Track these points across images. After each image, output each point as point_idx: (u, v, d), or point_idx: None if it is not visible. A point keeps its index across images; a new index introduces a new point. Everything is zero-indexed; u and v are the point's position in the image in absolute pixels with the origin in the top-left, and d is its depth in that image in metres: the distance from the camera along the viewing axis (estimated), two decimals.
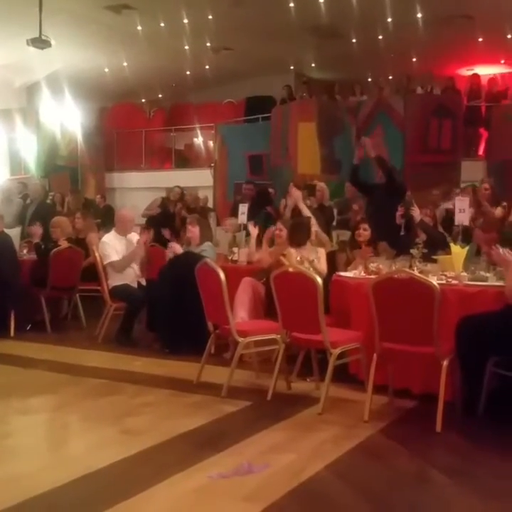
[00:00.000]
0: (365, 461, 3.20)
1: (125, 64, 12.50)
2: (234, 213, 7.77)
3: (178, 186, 9.42)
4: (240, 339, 4.23)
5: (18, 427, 3.80)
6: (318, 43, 11.58)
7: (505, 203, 6.11)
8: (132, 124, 14.21)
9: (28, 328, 6.49)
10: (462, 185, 8.07)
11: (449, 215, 6.13)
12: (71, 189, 11.55)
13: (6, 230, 6.76)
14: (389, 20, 10.30)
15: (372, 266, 4.43)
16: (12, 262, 6.46)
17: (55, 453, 3.46)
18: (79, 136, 12.93)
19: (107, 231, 6.56)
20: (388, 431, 3.57)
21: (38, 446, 3.55)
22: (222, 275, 4.24)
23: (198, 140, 14.11)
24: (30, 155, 12.44)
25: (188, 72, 13.37)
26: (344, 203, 8.04)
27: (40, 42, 9.07)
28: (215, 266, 4.39)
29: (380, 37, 11.13)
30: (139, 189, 12.77)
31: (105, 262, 6.01)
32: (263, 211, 7.68)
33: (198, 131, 13.90)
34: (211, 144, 12.96)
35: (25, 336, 6.22)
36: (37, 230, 6.99)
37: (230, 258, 6.12)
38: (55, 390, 4.46)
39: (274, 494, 2.74)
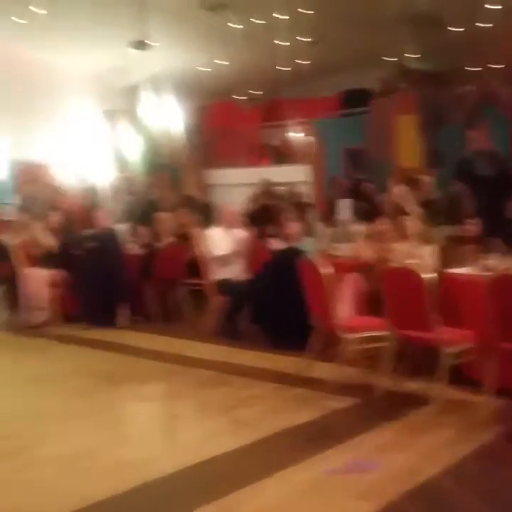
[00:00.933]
0: (487, 467, 3.05)
1: (223, 62, 12.70)
2: (332, 208, 7.70)
3: (267, 178, 9.39)
4: (346, 335, 4.18)
5: (131, 413, 3.97)
6: (418, 32, 11.18)
7: None
8: (230, 122, 14.43)
9: (136, 319, 6.75)
10: None
11: None
12: (173, 186, 11.91)
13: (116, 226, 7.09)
14: (499, 7, 9.75)
15: (487, 263, 4.22)
16: (117, 256, 6.72)
17: (169, 440, 3.57)
18: (180, 135, 13.30)
19: (208, 227, 6.69)
20: (510, 436, 3.39)
21: (151, 433, 3.68)
22: (324, 271, 4.21)
23: (295, 135, 14.10)
24: (135, 154, 12.96)
25: (283, 68, 13.37)
26: (449, 198, 7.74)
27: (141, 44, 9.44)
28: (316, 261, 4.37)
29: (487, 25, 10.57)
30: (237, 185, 12.95)
31: (211, 256, 6.13)
32: (358, 206, 7.57)
33: (294, 127, 13.89)
34: (308, 139, 12.91)
35: (134, 327, 6.48)
36: (144, 230, 7.27)
37: (331, 253, 6.06)
38: (165, 378, 4.62)
39: (389, 494, 2.68)
